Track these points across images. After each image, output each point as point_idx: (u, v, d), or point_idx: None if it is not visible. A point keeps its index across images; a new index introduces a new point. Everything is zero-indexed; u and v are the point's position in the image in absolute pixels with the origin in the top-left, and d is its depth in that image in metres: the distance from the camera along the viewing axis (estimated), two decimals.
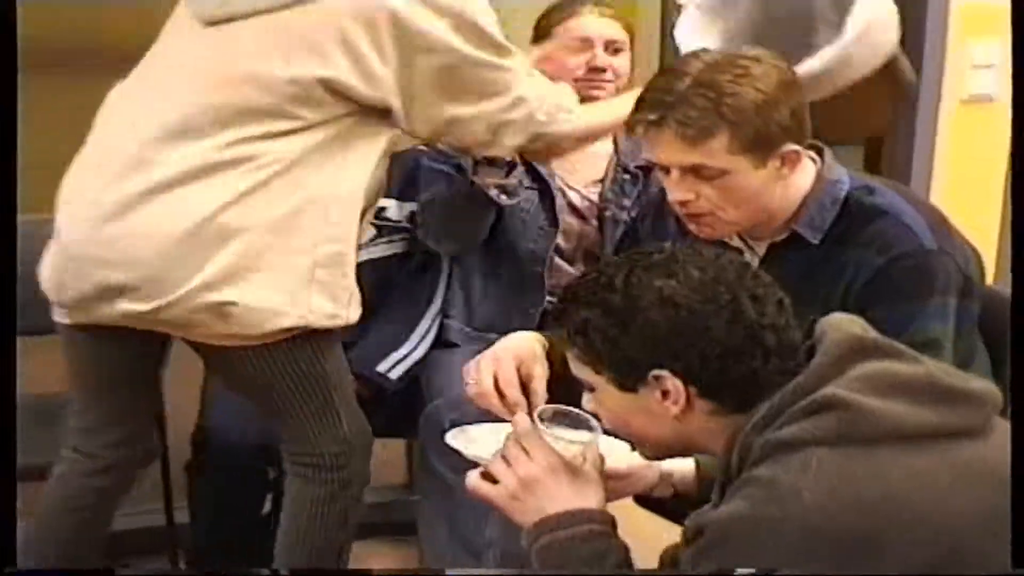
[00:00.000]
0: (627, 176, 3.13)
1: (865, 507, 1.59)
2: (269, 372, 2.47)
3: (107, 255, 2.35)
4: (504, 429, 2.01)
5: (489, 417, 2.29)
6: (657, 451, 1.89)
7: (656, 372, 1.75)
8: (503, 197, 2.96)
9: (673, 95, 2.17)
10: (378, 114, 2.46)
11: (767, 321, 1.75)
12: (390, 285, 3.10)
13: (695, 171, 2.20)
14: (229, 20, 2.39)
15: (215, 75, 2.37)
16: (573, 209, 3.12)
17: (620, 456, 2.08)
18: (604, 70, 3.03)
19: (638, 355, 1.76)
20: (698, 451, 1.94)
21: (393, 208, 3.08)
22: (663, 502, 2.18)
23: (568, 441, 1.92)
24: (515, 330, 2.47)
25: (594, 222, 3.11)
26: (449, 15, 2.44)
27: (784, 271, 2.10)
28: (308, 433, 2.57)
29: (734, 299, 1.74)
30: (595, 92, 3.01)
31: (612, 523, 1.89)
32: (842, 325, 1.79)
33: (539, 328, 2.59)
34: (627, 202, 3.10)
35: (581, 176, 3.14)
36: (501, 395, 2.31)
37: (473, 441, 2.14)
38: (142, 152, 2.35)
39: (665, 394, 1.77)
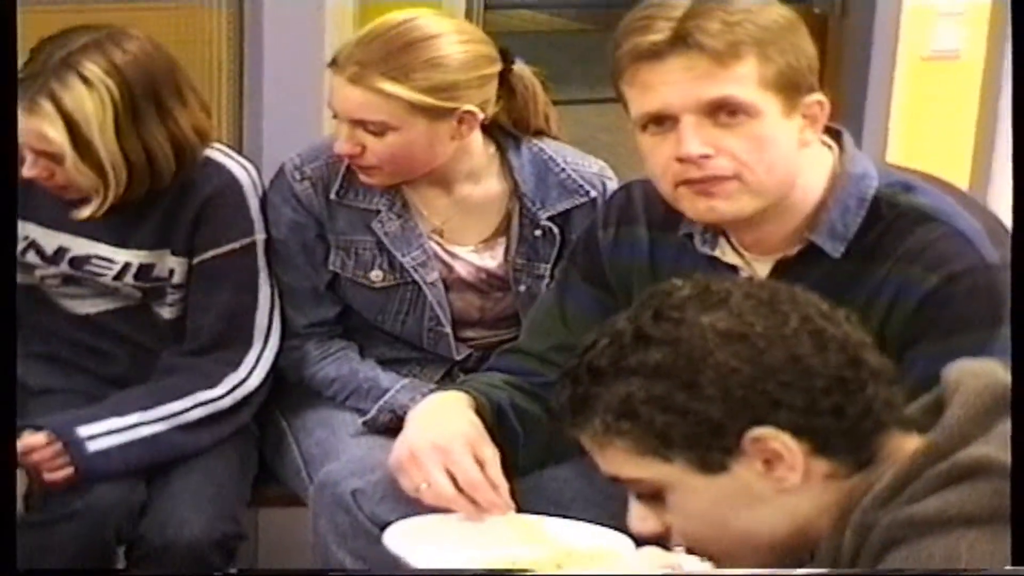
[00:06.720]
0: (538, 233, 2.38)
1: None
2: None
3: None
4: (456, 520, 1.88)
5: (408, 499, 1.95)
6: (771, 556, 1.41)
7: (753, 433, 1.35)
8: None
9: (680, 11, 1.77)
10: None
11: (855, 337, 1.40)
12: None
13: (716, 111, 1.77)
14: None
15: None
16: (465, 285, 2.41)
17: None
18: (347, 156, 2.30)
19: (721, 416, 1.35)
20: (811, 543, 1.41)
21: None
22: None
23: None
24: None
25: (497, 295, 2.41)
26: None
27: None
28: None
29: (805, 318, 1.38)
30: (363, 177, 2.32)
31: None
32: (984, 371, 1.43)
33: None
34: (544, 268, 2.37)
35: (464, 234, 2.40)
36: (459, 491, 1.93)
37: (434, 544, 1.84)
38: None
39: (769, 462, 1.36)
